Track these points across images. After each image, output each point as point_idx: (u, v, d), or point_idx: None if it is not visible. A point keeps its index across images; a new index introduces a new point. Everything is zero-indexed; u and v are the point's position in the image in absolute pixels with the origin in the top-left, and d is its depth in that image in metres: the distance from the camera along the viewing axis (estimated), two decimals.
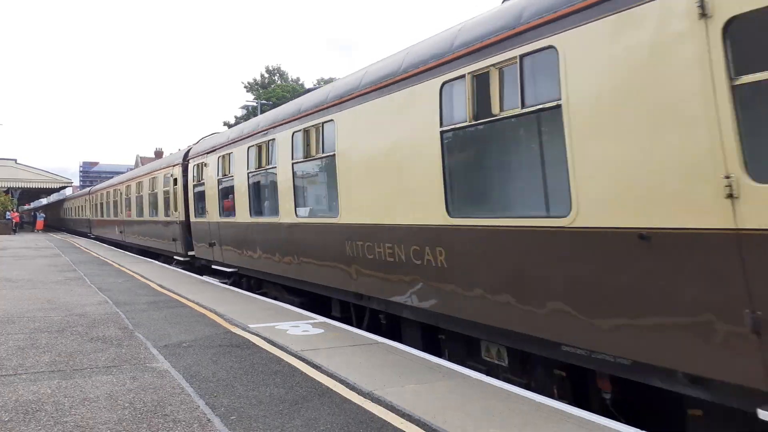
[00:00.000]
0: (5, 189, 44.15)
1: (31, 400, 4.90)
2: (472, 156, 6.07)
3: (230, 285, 13.05)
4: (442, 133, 6.06)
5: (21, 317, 8.80)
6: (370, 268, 7.46)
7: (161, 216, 18.61)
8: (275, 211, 10.25)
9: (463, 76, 5.77)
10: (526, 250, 5.05)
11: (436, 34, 6.66)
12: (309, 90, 10.66)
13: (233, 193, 12.31)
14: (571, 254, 4.64)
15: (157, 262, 19.43)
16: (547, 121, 5.02)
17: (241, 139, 11.95)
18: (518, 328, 5.22)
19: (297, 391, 5.12)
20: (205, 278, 14.16)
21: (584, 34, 4.52)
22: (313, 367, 5.85)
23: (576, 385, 5.19)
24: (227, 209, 12.85)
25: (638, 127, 4.10)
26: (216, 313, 9.12)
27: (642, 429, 4.17)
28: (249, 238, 11.68)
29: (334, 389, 5.13)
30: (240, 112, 57.48)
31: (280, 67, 67.29)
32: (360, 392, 5.02)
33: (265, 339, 7.19)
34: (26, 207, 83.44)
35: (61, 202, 61.26)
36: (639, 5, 4.08)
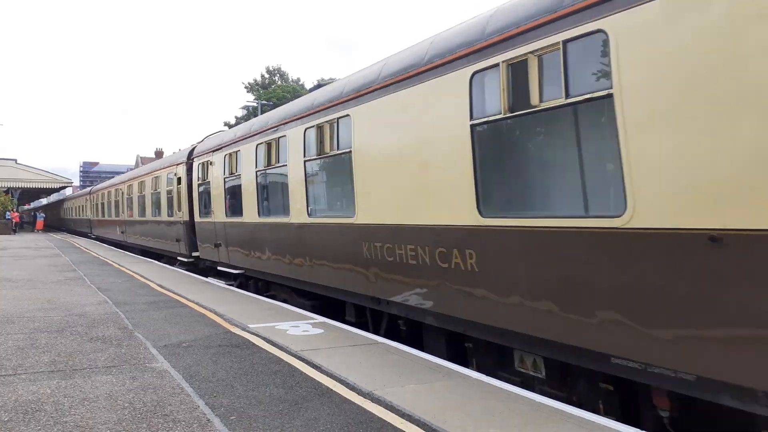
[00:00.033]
0: (5, 189, 44.02)
1: (30, 400, 4.87)
2: (508, 151, 5.64)
3: (237, 287, 12.64)
4: (472, 126, 5.63)
5: (21, 317, 8.70)
6: (390, 271, 7.04)
7: (164, 216, 18.17)
8: (286, 210, 9.82)
9: (496, 65, 5.35)
10: (572, 253, 4.62)
11: (464, 22, 6.22)
12: (321, 85, 10.21)
13: (240, 193, 11.87)
14: (625, 258, 4.21)
15: (157, 262, 19.23)
16: (595, 112, 4.60)
17: (249, 137, 11.52)
18: (560, 338, 4.79)
19: (297, 391, 5.09)
20: (210, 280, 13.75)
21: (640, 15, 4.09)
22: (313, 367, 5.81)
23: (626, 400, 4.76)
24: (234, 209, 12.42)
25: (709, 117, 3.67)
26: (216, 313, 9.03)
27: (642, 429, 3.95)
28: (257, 238, 11.25)
29: (334, 389, 5.09)
30: (240, 113, 57.46)
31: (280, 68, 67.08)
32: (360, 392, 4.99)
33: (264, 339, 7.12)
34: (26, 207, 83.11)
35: (61, 202, 60.87)
36: None
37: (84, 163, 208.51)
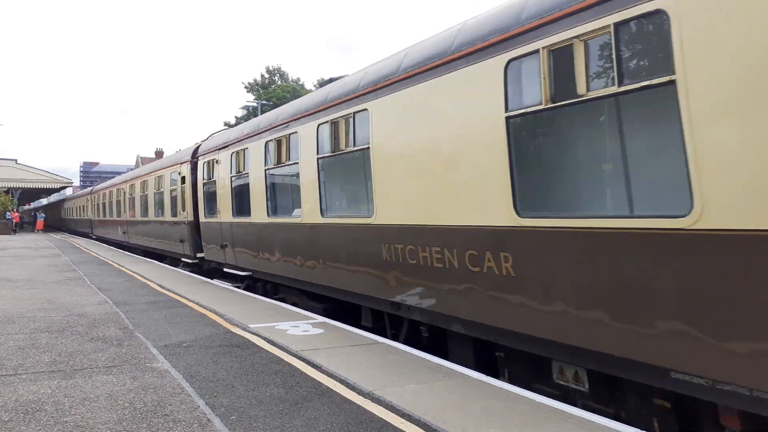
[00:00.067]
0: (5, 189, 43.80)
1: (31, 400, 4.86)
2: (549, 144, 5.20)
3: (244, 289, 12.22)
4: (507, 119, 5.20)
5: (21, 317, 8.67)
6: (412, 274, 6.61)
7: (168, 216, 17.73)
8: (298, 210, 9.39)
9: (536, 52, 4.92)
10: (628, 257, 4.18)
11: (496, 6, 5.79)
12: (333, 79, 9.78)
13: (248, 192, 11.44)
14: (692, 263, 3.78)
15: (157, 262, 19.04)
16: (653, 100, 4.17)
17: (257, 133, 11.08)
18: (611, 350, 4.36)
19: (297, 391, 5.09)
20: (215, 282, 13.33)
21: None
22: (313, 367, 5.80)
23: (684, 418, 4.33)
24: (241, 209, 11.99)
25: None
26: (216, 313, 8.99)
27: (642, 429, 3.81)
28: (266, 239, 10.81)
29: (334, 389, 5.09)
30: (240, 113, 57.23)
31: (280, 68, 66.75)
32: (360, 392, 4.98)
33: (265, 339, 7.11)
34: (26, 207, 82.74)
35: (61, 202, 60.46)
36: None
37: (84, 163, 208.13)
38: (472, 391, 4.95)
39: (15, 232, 43.15)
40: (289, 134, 9.65)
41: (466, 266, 5.74)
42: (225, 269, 13.18)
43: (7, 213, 42.65)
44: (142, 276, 14.40)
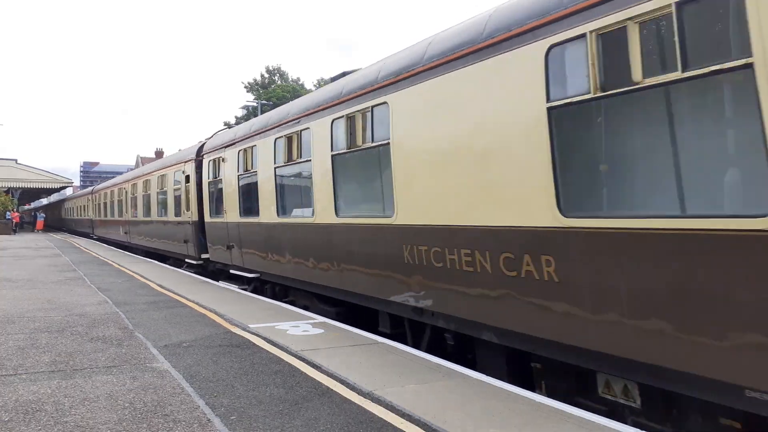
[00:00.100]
0: (5, 189, 43.52)
1: (31, 400, 4.84)
2: (600, 137, 4.76)
3: (251, 291, 11.80)
4: (549, 109, 4.77)
5: (21, 317, 8.62)
6: (438, 278, 6.18)
7: (171, 216, 17.29)
8: (310, 209, 8.97)
9: (582, 36, 4.49)
10: (696, 262, 3.75)
11: None
12: (346, 73, 9.35)
13: (257, 191, 11.00)
14: None
15: (157, 262, 18.79)
16: (724, 87, 3.75)
17: (266, 130, 10.64)
18: (672, 364, 3.94)
19: (297, 391, 5.07)
20: (221, 284, 12.91)
21: None
22: (313, 367, 5.78)
23: None
24: (249, 208, 11.56)
25: None
26: (216, 313, 8.94)
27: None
28: (275, 240, 10.38)
29: (334, 389, 5.07)
30: (240, 113, 56.99)
31: (280, 67, 66.45)
32: (360, 392, 4.97)
33: (265, 339, 7.08)
34: (26, 207, 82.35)
35: (61, 201, 60.03)
36: None
37: (84, 163, 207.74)
38: (472, 391, 4.95)
39: (15, 232, 42.84)
40: (301, 130, 9.22)
41: (500, 270, 5.31)
42: (231, 271, 12.76)
43: (7, 213, 42.34)
44: (142, 276, 14.25)
